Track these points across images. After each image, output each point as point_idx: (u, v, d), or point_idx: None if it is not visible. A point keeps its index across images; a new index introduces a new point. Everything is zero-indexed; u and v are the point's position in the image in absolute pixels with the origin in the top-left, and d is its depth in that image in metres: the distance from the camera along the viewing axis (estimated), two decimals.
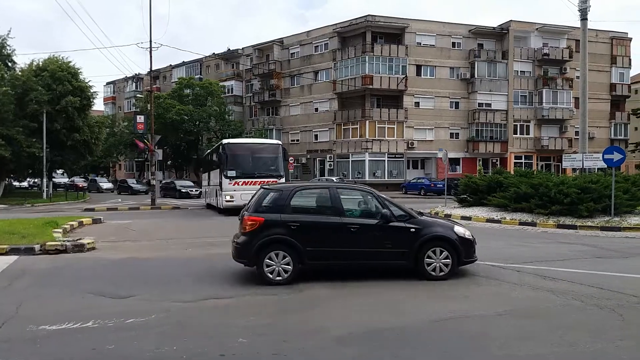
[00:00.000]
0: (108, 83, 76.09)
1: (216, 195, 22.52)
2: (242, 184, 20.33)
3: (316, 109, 47.97)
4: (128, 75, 62.84)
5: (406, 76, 43.82)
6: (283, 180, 20.74)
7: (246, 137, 49.31)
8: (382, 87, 43.37)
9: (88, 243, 11.42)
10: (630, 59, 50.41)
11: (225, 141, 22.26)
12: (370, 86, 42.92)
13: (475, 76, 45.72)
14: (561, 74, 47.59)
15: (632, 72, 52.50)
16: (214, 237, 13.56)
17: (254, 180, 19.82)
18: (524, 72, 47.47)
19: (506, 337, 5.36)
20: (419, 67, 45.14)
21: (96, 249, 11.44)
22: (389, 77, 43.42)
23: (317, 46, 48.20)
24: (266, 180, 18.77)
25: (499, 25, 47.59)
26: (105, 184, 52.64)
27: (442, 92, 45.52)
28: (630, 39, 50.52)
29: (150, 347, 5.01)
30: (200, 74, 59.22)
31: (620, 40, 50.00)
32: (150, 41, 28.03)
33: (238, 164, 20.88)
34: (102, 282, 8.05)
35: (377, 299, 6.91)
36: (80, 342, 5.17)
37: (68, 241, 11.43)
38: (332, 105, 46.39)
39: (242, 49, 56.09)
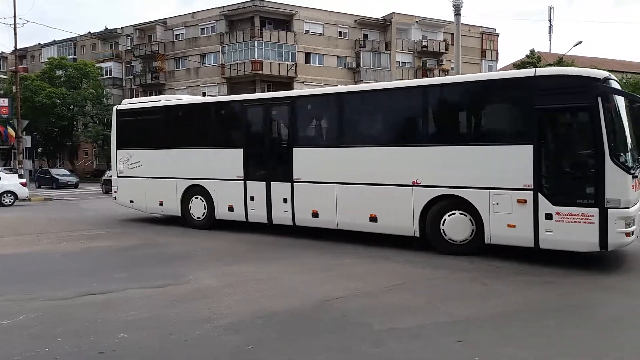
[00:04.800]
0: None
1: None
2: None
3: (204, 94, 46.41)
4: None
5: (296, 63, 44.08)
6: None
7: None
8: (273, 73, 43.22)
9: None
10: (497, 53, 55.26)
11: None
12: (260, 72, 42.56)
13: (361, 66, 47.28)
14: (438, 66, 50.87)
15: (499, 65, 57.72)
16: (92, 230, 12.66)
17: None
18: (405, 63, 50.02)
19: (388, 311, 5.65)
20: (308, 55, 45.61)
21: None
22: (279, 64, 43.38)
23: (204, 28, 46.62)
24: None
25: (382, 17, 49.54)
26: (67, 177, 34.79)
27: (330, 80, 46.45)
28: (498, 35, 55.41)
29: (17, 351, 4.55)
30: (75, 54, 54.46)
31: (489, 36, 54.57)
32: (15, 16, 25.14)
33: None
34: None
35: (269, 285, 6.91)
36: None
37: None
38: (221, 89, 45.27)
39: (122, 28, 52.51)
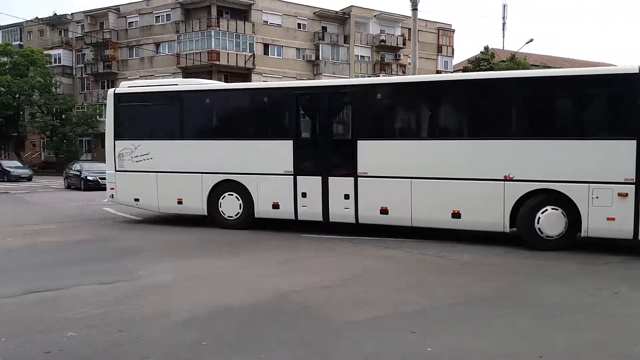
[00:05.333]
0: None
1: None
2: None
3: None
4: None
5: (254, 54, 43.57)
6: None
7: (79, 112, 44.73)
8: (230, 63, 42.55)
9: None
10: (453, 49, 56.36)
11: None
12: (217, 62, 41.83)
13: (320, 58, 47.22)
14: (396, 60, 51.44)
15: (455, 61, 58.95)
16: (39, 225, 12.11)
17: None
18: (364, 56, 50.29)
19: (345, 304, 5.67)
20: (266, 46, 45.17)
21: None
22: (237, 54, 42.76)
23: (159, 17, 45.39)
24: None
25: (341, 10, 49.58)
26: (19, 169, 32.30)
27: (289, 73, 46.20)
28: (454, 31, 56.49)
29: None
30: (21, 41, 51.90)
31: (445, 31, 55.55)
32: None
33: None
34: None
35: (226, 280, 6.81)
36: None
37: None
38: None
39: (72, 14, 50.45)
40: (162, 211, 11.84)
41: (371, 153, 9.75)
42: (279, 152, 10.40)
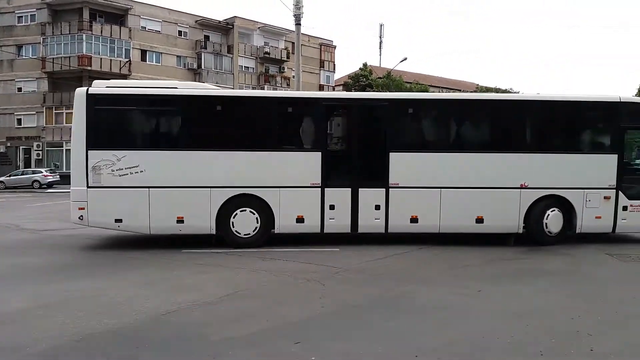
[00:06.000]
0: None
1: None
2: None
3: (19, 89, 41.14)
4: None
5: (130, 60, 41.39)
6: None
7: None
8: (103, 69, 39.92)
9: None
10: (334, 64, 58.41)
11: None
12: (89, 67, 39.04)
13: (202, 67, 46.21)
14: (280, 73, 52.03)
15: (336, 76, 61.15)
16: None
17: None
18: (248, 67, 50.19)
19: (226, 320, 5.51)
20: (144, 52, 43.14)
21: None
22: (111, 60, 40.27)
23: (22, 17, 41.28)
24: None
25: (224, 20, 49.05)
26: None
27: (169, 80, 44.64)
28: (335, 47, 58.61)
29: None
30: None
31: (327, 47, 57.44)
32: None
33: None
34: None
35: (94, 302, 6.24)
36: None
37: None
38: (41, 85, 40.51)
39: None
40: (154, 232, 10.01)
41: (403, 165, 10.19)
42: (305, 164, 10.11)
